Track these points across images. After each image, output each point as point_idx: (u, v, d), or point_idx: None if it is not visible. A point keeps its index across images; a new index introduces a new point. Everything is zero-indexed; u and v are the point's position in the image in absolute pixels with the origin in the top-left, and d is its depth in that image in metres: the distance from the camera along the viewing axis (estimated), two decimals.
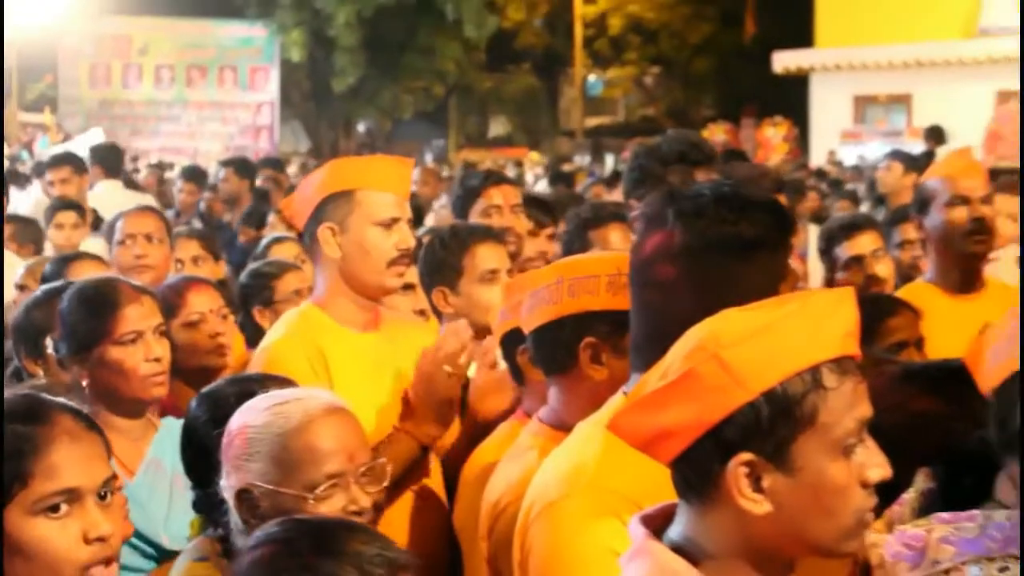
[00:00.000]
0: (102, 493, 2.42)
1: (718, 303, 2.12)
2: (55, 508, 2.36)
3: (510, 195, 5.61)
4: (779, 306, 2.06)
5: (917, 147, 17.31)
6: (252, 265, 5.89)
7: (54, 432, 2.39)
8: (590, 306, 2.97)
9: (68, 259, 5.37)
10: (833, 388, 2.01)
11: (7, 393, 2.54)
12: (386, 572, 2.15)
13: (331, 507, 2.70)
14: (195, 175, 12.44)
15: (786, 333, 2.00)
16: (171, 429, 3.61)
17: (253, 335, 5.22)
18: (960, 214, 4.69)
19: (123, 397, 3.70)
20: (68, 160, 9.39)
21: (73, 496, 2.38)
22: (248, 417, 2.80)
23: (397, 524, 3.76)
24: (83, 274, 4.64)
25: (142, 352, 3.68)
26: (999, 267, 6.61)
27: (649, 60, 44.55)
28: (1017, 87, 30.89)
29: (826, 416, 2.00)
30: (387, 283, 3.98)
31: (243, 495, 2.75)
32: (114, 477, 2.47)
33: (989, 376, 2.44)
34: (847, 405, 2.02)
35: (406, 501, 3.89)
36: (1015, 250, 6.34)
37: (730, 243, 2.47)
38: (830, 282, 5.58)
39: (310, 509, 2.67)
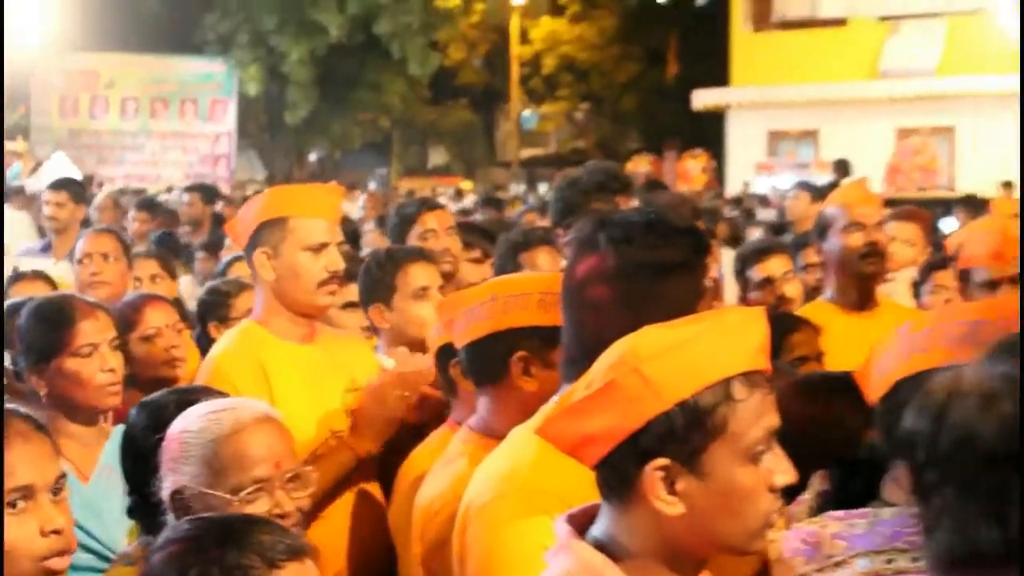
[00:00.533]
0: (55, 489, 2.43)
1: (644, 320, 2.13)
2: (12, 504, 2.37)
3: (443, 219, 5.67)
4: (695, 323, 2.07)
5: (824, 178, 17.45)
6: (210, 283, 5.87)
7: (8, 434, 2.38)
8: (522, 322, 2.99)
9: (14, 278, 5.37)
10: (742, 400, 2.02)
11: None
12: (288, 558, 2.13)
13: (256, 509, 2.68)
14: (149, 205, 12.32)
15: (700, 348, 2.02)
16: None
17: (208, 350, 5.19)
18: (855, 239, 4.74)
19: (79, 406, 3.70)
20: (67, 186, 9.18)
21: (28, 492, 2.39)
22: (186, 423, 2.80)
23: (337, 526, 3.74)
24: (27, 292, 4.65)
25: (98, 363, 3.69)
26: (895, 288, 6.67)
27: (580, 97, 44.72)
28: (915, 124, 31.42)
29: (735, 426, 2.01)
30: (318, 302, 4.01)
31: (176, 496, 2.74)
32: (63, 475, 2.48)
33: (876, 387, 2.48)
34: (756, 415, 2.03)
35: (346, 504, 3.87)
36: (909, 273, 6.41)
37: (656, 265, 2.50)
38: (743, 301, 5.61)
39: (236, 511, 2.66)
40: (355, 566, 3.88)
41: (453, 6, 38.51)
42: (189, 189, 12.01)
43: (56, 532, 2.40)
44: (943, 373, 1.47)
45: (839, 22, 33.56)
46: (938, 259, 5.92)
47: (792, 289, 5.53)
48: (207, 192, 11.43)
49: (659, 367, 1.99)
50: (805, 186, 11.01)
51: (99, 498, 3.58)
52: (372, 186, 31.90)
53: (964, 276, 4.63)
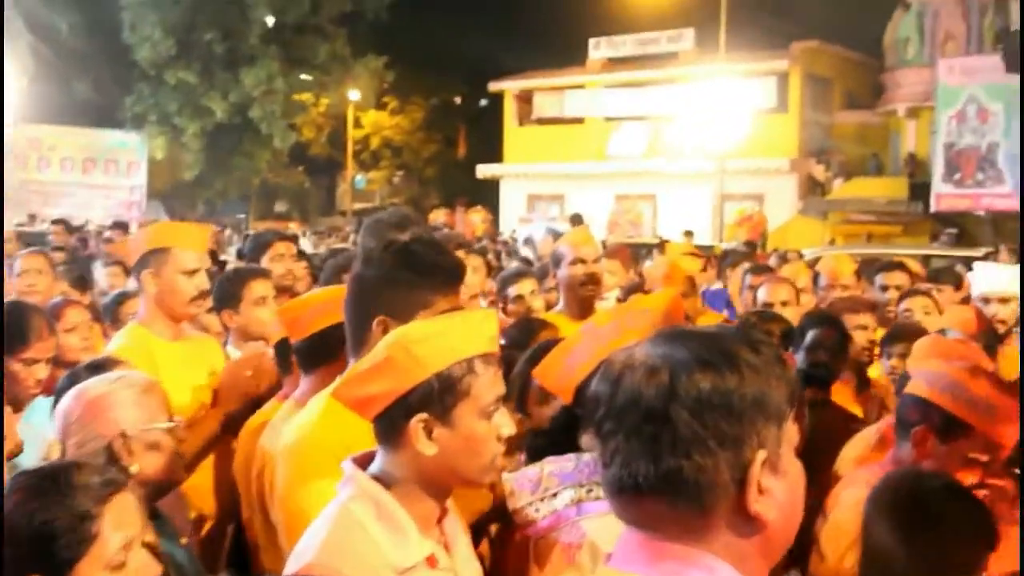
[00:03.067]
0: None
1: (395, 313, 2.13)
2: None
3: (290, 247, 5.54)
4: (448, 318, 2.05)
5: (565, 227, 17.66)
6: (113, 293, 5.66)
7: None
8: (336, 320, 2.90)
9: None
10: (482, 373, 2.01)
11: None
12: (109, 491, 1.99)
13: (163, 440, 2.57)
14: (65, 223, 11.88)
15: (453, 335, 2.00)
16: (43, 404, 3.43)
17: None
18: (578, 270, 4.74)
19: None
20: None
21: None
22: (83, 387, 2.64)
23: (210, 472, 3.64)
24: None
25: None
26: (607, 304, 6.77)
27: (396, 167, 44.59)
28: (628, 192, 32.02)
29: (476, 391, 2.00)
30: (189, 312, 3.92)
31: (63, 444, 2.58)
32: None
33: (574, 370, 2.45)
34: (490, 385, 2.02)
35: (216, 456, 3.75)
36: (615, 294, 6.51)
37: (425, 278, 2.43)
38: (504, 311, 5.59)
39: (120, 456, 2.51)
40: (223, 501, 3.76)
41: (306, 99, 38.18)
42: (113, 225, 11.71)
43: None
44: (619, 350, 1.44)
45: (578, 120, 34.18)
46: (635, 284, 5.99)
47: (538, 303, 5.53)
48: (124, 227, 11.04)
49: (423, 347, 1.97)
50: (550, 231, 11.08)
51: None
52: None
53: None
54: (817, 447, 2.55)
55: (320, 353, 2.96)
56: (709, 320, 5.73)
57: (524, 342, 3.87)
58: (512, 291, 5.51)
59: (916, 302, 5.28)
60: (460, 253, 4.22)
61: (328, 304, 2.95)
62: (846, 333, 4.31)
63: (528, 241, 20.85)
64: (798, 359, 4.19)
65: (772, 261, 13.90)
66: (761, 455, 1.35)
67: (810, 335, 4.20)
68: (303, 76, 36.71)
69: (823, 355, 4.15)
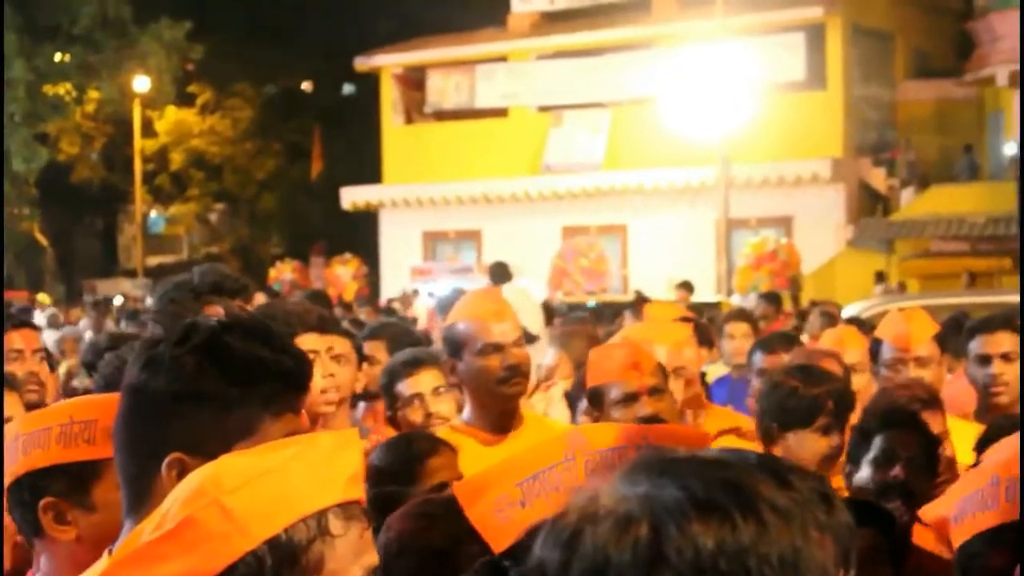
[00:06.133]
0: None
1: (215, 443, 2.11)
2: None
3: (31, 339, 5.47)
4: (283, 449, 2.04)
5: (484, 281, 17.72)
6: None
7: None
8: (40, 462, 2.77)
9: None
10: (340, 535, 1.99)
11: None
12: None
13: None
14: None
15: (289, 477, 1.98)
16: None
17: None
18: (492, 362, 4.74)
19: None
20: None
21: None
22: None
23: None
24: None
25: None
26: (552, 399, 6.80)
27: (213, 196, 44.42)
28: (578, 223, 32.20)
29: (333, 563, 1.98)
30: None
31: None
32: None
33: (500, 528, 2.51)
34: (354, 552, 2.01)
35: None
36: (563, 386, 6.55)
37: (246, 390, 2.42)
38: (392, 420, 5.60)
39: None
40: None
41: (64, 92, 37.76)
42: None
43: None
44: (577, 496, 1.45)
45: (499, 112, 34.50)
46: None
47: (445, 407, 5.53)
48: None
49: (244, 499, 1.94)
50: (456, 293, 11.03)
51: None
52: None
53: (595, 396, 4.68)
54: None
55: (25, 516, 2.87)
56: (719, 422, 5.74)
57: (405, 475, 3.87)
58: (404, 388, 5.52)
59: None
60: (311, 339, 4.22)
61: (25, 436, 2.79)
62: (933, 439, 4.37)
63: (441, 304, 20.90)
64: (859, 479, 4.23)
65: (811, 322, 14.09)
66: None
67: (879, 441, 4.25)
68: (57, 55, 36.54)
69: (900, 472, 4.18)
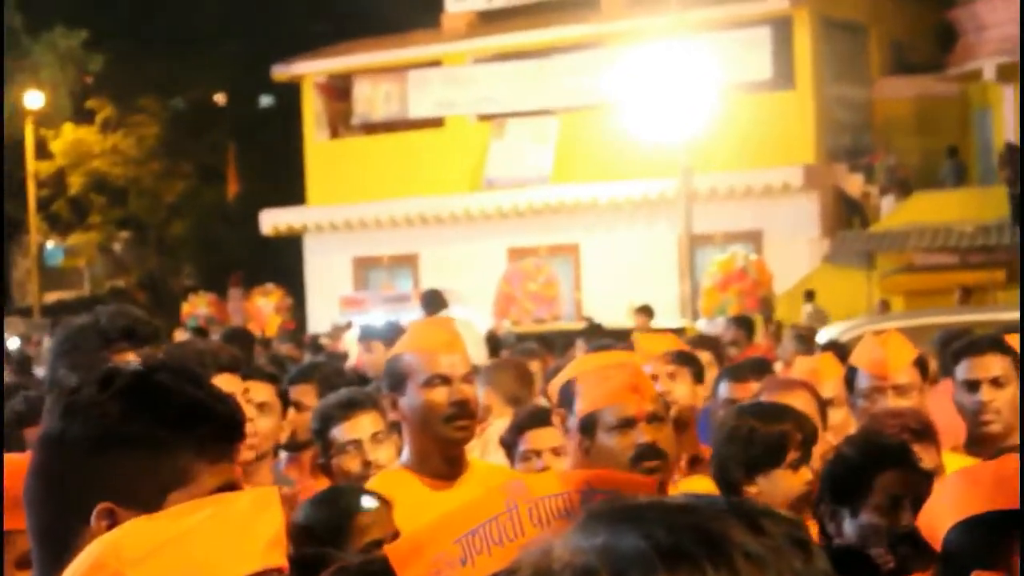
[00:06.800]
0: None
1: (148, 492, 2.14)
2: None
3: None
4: (193, 512, 2.03)
5: (420, 314, 17.68)
6: None
7: None
8: None
9: None
10: None
11: None
12: None
13: None
14: None
15: (200, 544, 1.98)
16: None
17: None
18: (438, 396, 4.73)
19: None
20: None
21: None
22: None
23: None
24: None
25: None
26: (488, 441, 6.79)
27: (117, 223, 44.28)
28: (526, 243, 32.24)
29: None
30: None
31: None
32: None
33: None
34: None
35: None
36: (499, 427, 6.53)
37: (179, 433, 2.42)
38: (325, 467, 5.59)
39: None
40: None
41: None
42: None
43: None
44: (529, 550, 1.44)
45: (434, 123, 34.57)
46: (529, 414, 5.98)
47: (384, 455, 5.53)
48: None
49: (148, 571, 1.95)
50: (378, 332, 11.01)
51: None
52: None
53: (587, 424, 4.64)
54: None
55: None
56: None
57: (333, 534, 3.87)
58: (340, 434, 5.52)
59: None
60: (223, 381, 4.20)
61: None
62: (925, 473, 4.38)
63: (366, 334, 20.89)
64: (856, 525, 4.23)
65: (784, 345, 14.14)
66: None
67: (879, 484, 4.25)
68: None
69: (912, 518, 4.17)
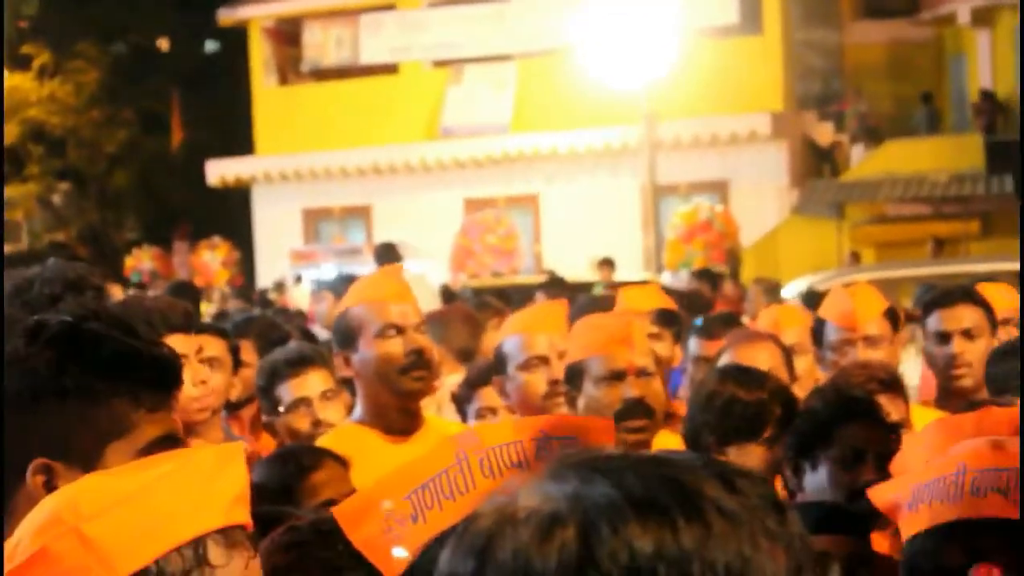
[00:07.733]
0: None
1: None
2: None
3: None
4: (154, 467, 2.03)
5: (373, 267, 17.63)
6: None
7: None
8: None
9: None
10: (221, 565, 2.00)
11: None
12: None
13: None
14: None
15: (161, 500, 1.99)
16: None
17: None
18: (393, 347, 4.72)
19: None
20: None
21: None
22: None
23: None
24: None
25: None
26: (442, 400, 6.82)
27: (56, 174, 43.97)
28: (483, 194, 32.13)
29: None
30: None
31: None
32: None
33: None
34: None
35: None
36: (454, 380, 6.57)
37: (116, 383, 2.43)
38: (270, 425, 5.60)
39: None
40: None
41: None
42: None
43: None
44: (491, 498, 1.44)
45: (388, 69, 34.37)
46: (483, 370, 5.98)
47: (334, 413, 5.53)
48: None
49: (106, 527, 1.95)
50: (342, 280, 10.93)
51: None
52: None
53: (574, 372, 4.62)
54: None
55: None
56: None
57: (287, 490, 3.90)
58: (288, 392, 5.52)
59: (1011, 364, 5.37)
60: (177, 341, 4.21)
61: None
62: (891, 427, 4.40)
63: (318, 287, 20.84)
64: (816, 480, 4.25)
65: (750, 298, 14.17)
66: None
67: (841, 436, 4.26)
68: None
69: (873, 474, 4.18)
